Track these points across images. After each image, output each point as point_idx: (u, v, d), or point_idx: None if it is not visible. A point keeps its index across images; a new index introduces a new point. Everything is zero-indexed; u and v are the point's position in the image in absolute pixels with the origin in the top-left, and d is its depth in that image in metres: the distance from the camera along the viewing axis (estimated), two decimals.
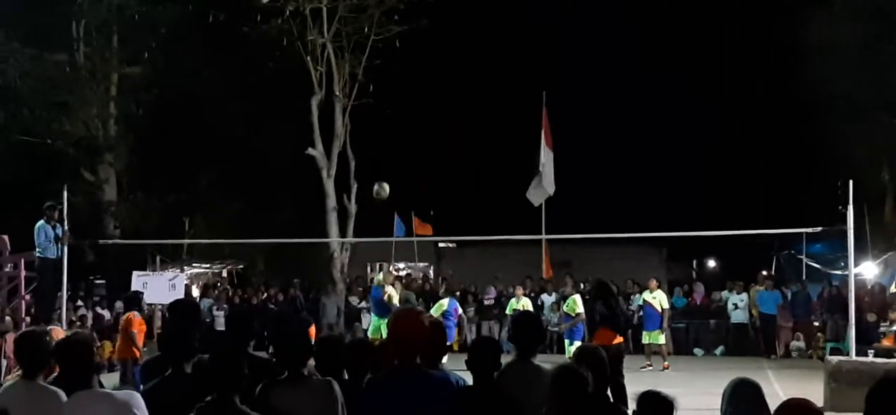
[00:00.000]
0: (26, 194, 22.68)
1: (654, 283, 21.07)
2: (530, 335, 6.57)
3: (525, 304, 21.16)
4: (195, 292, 27.98)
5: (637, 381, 15.55)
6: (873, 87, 23.80)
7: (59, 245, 16.79)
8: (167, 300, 23.44)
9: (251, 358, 6.24)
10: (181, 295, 24.05)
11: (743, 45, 34.72)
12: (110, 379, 14.01)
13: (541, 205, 25.22)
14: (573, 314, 17.53)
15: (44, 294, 17.67)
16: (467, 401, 5.52)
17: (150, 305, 24.29)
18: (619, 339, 14.02)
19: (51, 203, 16.89)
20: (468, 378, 5.76)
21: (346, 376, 6.20)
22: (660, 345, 20.59)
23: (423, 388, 5.46)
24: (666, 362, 20.32)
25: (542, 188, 25.15)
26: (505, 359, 5.94)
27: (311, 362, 6.23)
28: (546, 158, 25.27)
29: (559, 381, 5.36)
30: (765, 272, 26.49)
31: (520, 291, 22.22)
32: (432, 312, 18.19)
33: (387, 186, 20.55)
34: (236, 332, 6.51)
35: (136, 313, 14.89)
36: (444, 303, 19.29)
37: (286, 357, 5.86)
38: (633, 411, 5.46)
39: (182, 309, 7.35)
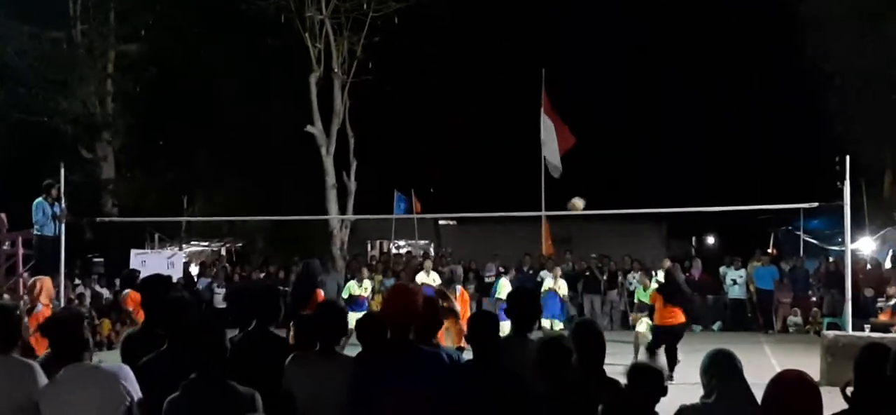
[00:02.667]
0: (24, 172, 22.67)
1: (646, 282, 20.55)
2: (526, 311, 6.64)
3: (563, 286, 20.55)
4: (194, 270, 28.01)
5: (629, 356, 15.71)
6: (873, 62, 23.73)
7: (57, 223, 16.80)
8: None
9: (271, 336, 6.27)
10: (180, 273, 24.13)
11: (743, 20, 34.61)
12: (111, 356, 14.02)
13: (541, 181, 25.15)
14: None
15: (41, 272, 17.65)
16: (470, 376, 5.56)
17: None
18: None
19: (49, 181, 16.91)
20: (465, 355, 5.79)
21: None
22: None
23: (414, 363, 5.49)
24: None
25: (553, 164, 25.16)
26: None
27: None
28: (547, 133, 25.19)
29: (544, 351, 5.49)
30: (765, 249, 26.53)
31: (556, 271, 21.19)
32: None
33: (580, 202, 19.84)
34: (263, 309, 6.43)
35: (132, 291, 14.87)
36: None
37: (320, 334, 5.88)
38: (625, 384, 5.48)
39: (152, 284, 7.26)
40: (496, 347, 5.75)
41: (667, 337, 14.98)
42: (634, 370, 5.49)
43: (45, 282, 12.33)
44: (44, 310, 11.64)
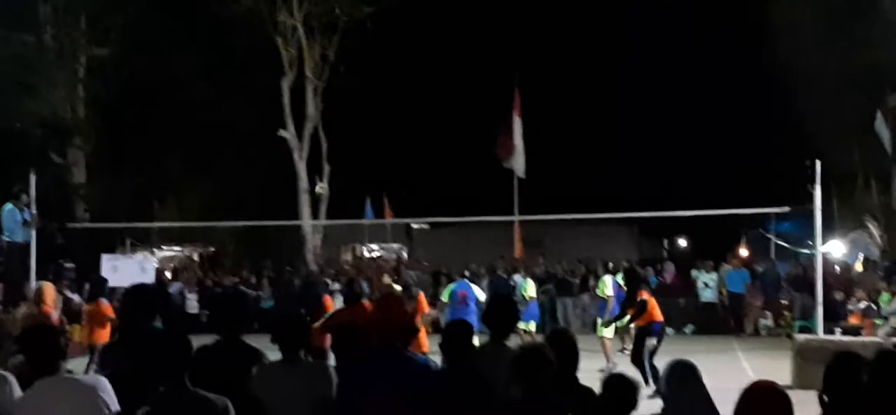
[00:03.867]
0: None
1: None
2: (504, 318, 6.65)
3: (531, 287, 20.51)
4: (167, 275, 27.84)
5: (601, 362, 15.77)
6: (842, 66, 23.92)
7: (27, 229, 16.68)
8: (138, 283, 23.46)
9: (240, 343, 6.22)
10: (151, 279, 23.96)
11: (713, 23, 34.85)
12: (78, 364, 13.91)
13: (513, 184, 25.24)
14: (604, 296, 18.29)
15: (11, 278, 17.53)
16: (441, 384, 5.57)
17: (120, 288, 24.21)
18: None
19: (19, 186, 16.77)
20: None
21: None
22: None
23: (401, 371, 5.51)
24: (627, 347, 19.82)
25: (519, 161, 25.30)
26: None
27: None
28: (517, 135, 25.31)
29: (521, 360, 5.43)
30: (740, 251, 26.68)
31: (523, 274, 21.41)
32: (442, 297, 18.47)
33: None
34: (232, 316, 6.39)
35: (103, 299, 14.79)
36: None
37: (284, 342, 5.89)
38: (599, 395, 5.49)
39: (140, 295, 7.16)
40: (468, 355, 5.76)
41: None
42: (608, 381, 5.50)
43: (48, 288, 12.27)
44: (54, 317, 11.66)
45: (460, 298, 17.16)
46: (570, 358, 5.74)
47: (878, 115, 23.37)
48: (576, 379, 5.70)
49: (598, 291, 18.81)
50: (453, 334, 5.93)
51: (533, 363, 5.38)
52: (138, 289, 6.88)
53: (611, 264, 20.82)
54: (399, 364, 5.53)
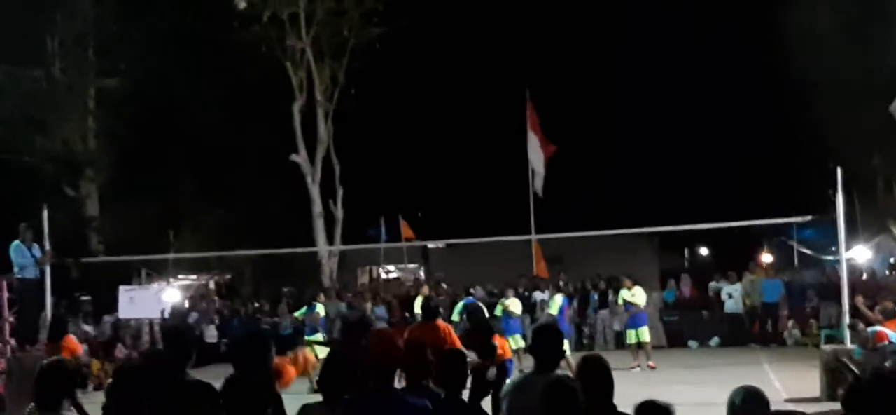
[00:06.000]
0: (6, 214, 22.32)
1: (628, 282, 20.68)
2: (550, 348, 6.31)
3: (515, 304, 20.71)
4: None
5: (629, 381, 15.43)
6: (861, 70, 23.62)
7: (39, 266, 16.53)
8: (155, 314, 23.33)
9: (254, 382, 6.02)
10: (169, 307, 23.85)
11: (732, 31, 34.52)
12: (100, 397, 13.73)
13: (531, 203, 25.00)
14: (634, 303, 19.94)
15: (25, 316, 17.35)
16: None
17: (137, 319, 24.09)
18: None
19: (25, 223, 16.63)
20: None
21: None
22: (645, 343, 19.95)
23: (397, 410, 5.28)
24: (651, 362, 19.68)
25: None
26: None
27: None
28: (533, 152, 25.08)
29: (549, 395, 5.20)
30: (762, 259, 26.35)
31: (510, 292, 21.65)
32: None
33: None
34: (249, 355, 6.20)
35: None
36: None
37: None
38: None
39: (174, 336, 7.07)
40: (463, 385, 5.60)
41: None
42: (642, 409, 5.22)
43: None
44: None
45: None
46: (604, 386, 5.49)
47: None
48: (613, 406, 5.42)
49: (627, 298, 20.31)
50: (449, 364, 5.68)
51: (562, 400, 5.16)
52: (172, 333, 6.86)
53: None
54: (392, 405, 5.27)
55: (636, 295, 20.33)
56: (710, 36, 35.51)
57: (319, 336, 18.74)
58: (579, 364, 5.79)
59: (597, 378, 5.48)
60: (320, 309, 20.90)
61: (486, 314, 15.56)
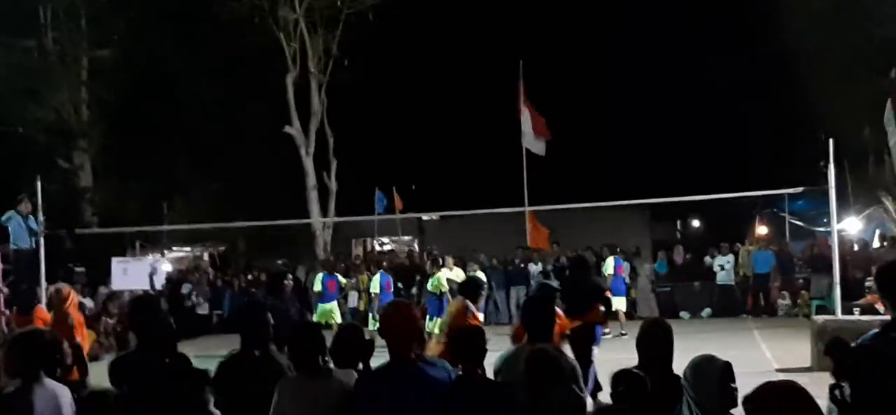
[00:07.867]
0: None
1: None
2: (541, 320, 6.45)
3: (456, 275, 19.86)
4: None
5: (614, 348, 15.44)
6: (852, 42, 23.63)
7: (34, 237, 16.54)
8: (148, 286, 23.36)
9: (261, 358, 6.18)
10: (162, 280, 23.87)
11: (724, 3, 34.46)
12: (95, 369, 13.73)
13: (524, 175, 25.03)
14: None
15: (21, 286, 17.38)
16: (455, 393, 5.35)
17: (130, 291, 24.09)
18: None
19: (22, 195, 16.63)
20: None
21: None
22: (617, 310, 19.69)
23: (416, 381, 5.27)
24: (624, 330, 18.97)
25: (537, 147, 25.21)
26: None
27: None
28: (526, 123, 25.09)
29: (531, 365, 5.44)
30: (758, 230, 26.47)
31: (450, 262, 20.94)
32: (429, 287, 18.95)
33: None
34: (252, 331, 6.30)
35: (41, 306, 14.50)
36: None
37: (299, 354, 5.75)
38: (610, 392, 5.39)
39: (146, 304, 7.10)
40: (480, 361, 5.56)
41: None
42: (618, 378, 5.35)
43: (72, 292, 12.16)
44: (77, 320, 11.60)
45: None
46: (665, 346, 5.75)
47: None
48: (670, 368, 5.60)
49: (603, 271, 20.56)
50: (464, 340, 5.71)
51: (542, 370, 5.36)
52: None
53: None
54: (412, 373, 5.30)
55: (607, 264, 20.98)
56: (702, 8, 35.47)
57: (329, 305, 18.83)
58: (642, 326, 5.97)
59: (658, 338, 5.74)
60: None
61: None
